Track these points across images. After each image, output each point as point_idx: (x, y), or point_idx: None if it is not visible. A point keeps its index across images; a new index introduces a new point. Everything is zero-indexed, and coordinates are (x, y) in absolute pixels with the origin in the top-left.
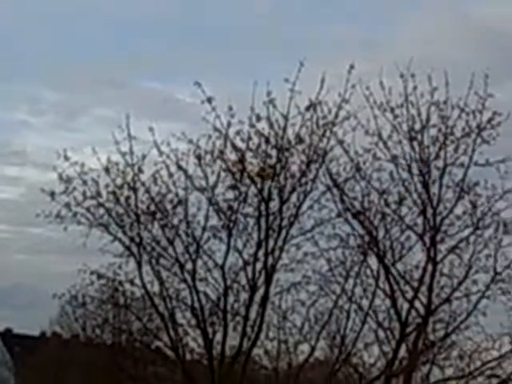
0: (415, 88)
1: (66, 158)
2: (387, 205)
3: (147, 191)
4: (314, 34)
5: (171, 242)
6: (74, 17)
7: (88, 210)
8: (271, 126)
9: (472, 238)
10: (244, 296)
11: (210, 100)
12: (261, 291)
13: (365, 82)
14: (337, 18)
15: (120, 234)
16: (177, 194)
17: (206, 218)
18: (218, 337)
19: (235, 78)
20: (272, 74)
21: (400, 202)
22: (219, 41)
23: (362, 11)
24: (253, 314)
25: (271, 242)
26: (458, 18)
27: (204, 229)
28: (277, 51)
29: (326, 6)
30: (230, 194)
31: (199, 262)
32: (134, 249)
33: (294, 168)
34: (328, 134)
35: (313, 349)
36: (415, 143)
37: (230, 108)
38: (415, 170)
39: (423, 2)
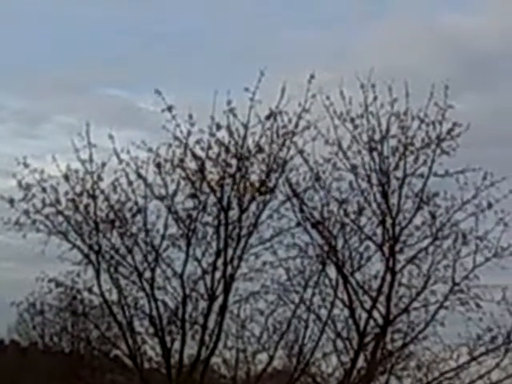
0: (375, 98)
1: (26, 165)
2: (346, 215)
3: (106, 199)
4: (276, 43)
5: (130, 251)
6: (33, 22)
7: (47, 217)
8: (231, 134)
9: (431, 249)
10: (202, 305)
11: (170, 108)
12: (219, 300)
13: (326, 92)
14: (300, 28)
15: (79, 242)
16: (136, 203)
17: (165, 226)
18: (177, 345)
19: (196, 87)
20: (233, 82)
21: (359, 212)
22: (181, 49)
23: (325, 20)
24: (211, 323)
25: (230, 251)
26: (420, 29)
27: (163, 237)
28: (238, 60)
29: (290, 15)
30: (190, 203)
31: (158, 271)
32: (93, 257)
33: (254, 177)
34: (288, 143)
35: (271, 358)
36: (375, 153)
37: (191, 117)
38: (375, 180)
39: (386, 13)
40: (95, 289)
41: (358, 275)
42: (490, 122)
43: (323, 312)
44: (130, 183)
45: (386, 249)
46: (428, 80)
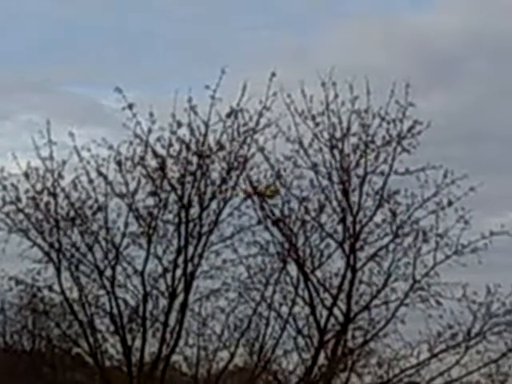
0: (336, 96)
1: None
2: (307, 212)
3: (67, 197)
4: (238, 42)
5: (90, 248)
6: None
7: (7, 215)
8: (192, 132)
9: (391, 246)
10: (163, 303)
11: (130, 106)
12: (180, 298)
13: (287, 90)
14: (262, 26)
15: (39, 240)
16: (97, 200)
17: (126, 224)
18: (137, 343)
19: (157, 85)
20: (195, 81)
21: (320, 209)
22: (144, 47)
23: (287, 19)
24: (172, 321)
25: (191, 249)
26: (383, 28)
27: (124, 235)
28: (200, 59)
29: (252, 12)
30: (150, 201)
31: (118, 269)
32: (53, 255)
33: (215, 175)
34: (249, 141)
35: (232, 356)
36: (336, 151)
37: (151, 114)
38: (335, 178)
39: (349, 11)
40: (56, 287)
41: (318, 273)
42: (454, 121)
43: (284, 309)
44: (91, 181)
45: (346, 246)
46: (391, 79)
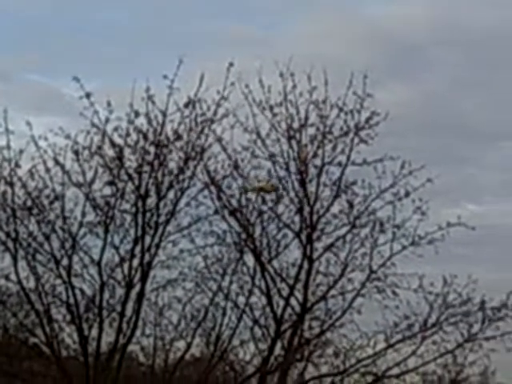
0: (295, 87)
1: None
2: (264, 202)
3: (24, 186)
4: (198, 32)
5: (47, 238)
6: None
7: None
8: (150, 122)
9: (348, 237)
10: (120, 292)
11: (88, 95)
12: (137, 288)
13: (247, 80)
14: (222, 14)
15: None
16: (54, 190)
17: (83, 213)
18: (94, 333)
19: (115, 74)
20: (153, 71)
21: (277, 200)
22: (102, 37)
23: (248, 8)
24: (129, 311)
25: (148, 239)
26: (345, 19)
27: (81, 224)
28: (159, 49)
29: (212, 1)
30: (108, 190)
31: (75, 258)
32: (10, 244)
33: (172, 165)
34: (206, 131)
35: (189, 346)
36: (293, 142)
37: (109, 104)
38: (293, 169)
39: (311, 3)
40: (12, 276)
41: (275, 263)
42: (414, 111)
43: (241, 299)
44: (48, 170)
45: (303, 237)
46: (352, 69)
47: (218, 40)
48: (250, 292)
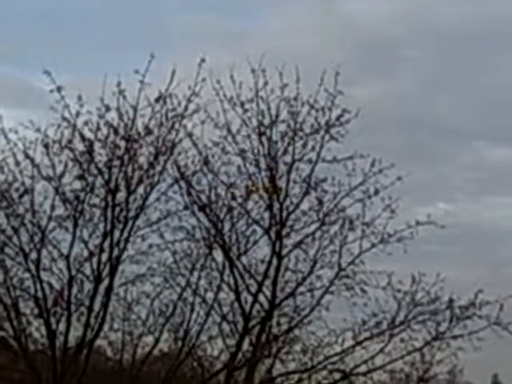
0: (266, 83)
1: None
2: (234, 198)
3: None
4: (170, 24)
5: (16, 231)
6: None
7: None
8: (120, 116)
9: (318, 234)
10: (88, 287)
11: (59, 89)
12: (105, 282)
13: (219, 76)
14: (195, 9)
15: None
16: (23, 183)
17: (52, 207)
18: (62, 327)
19: (86, 68)
20: (124, 65)
21: (247, 196)
22: (74, 30)
23: (221, 2)
24: (97, 305)
25: (117, 233)
26: (319, 15)
27: (50, 218)
28: (130, 43)
29: None
30: (77, 184)
31: (44, 252)
32: None
33: (142, 159)
34: (177, 126)
35: (157, 341)
36: (264, 138)
37: (80, 98)
38: (263, 165)
39: None
40: None
41: (244, 259)
42: (388, 109)
43: (209, 295)
44: (18, 163)
45: (272, 233)
46: (326, 66)
47: (192, 34)
48: (219, 288)
